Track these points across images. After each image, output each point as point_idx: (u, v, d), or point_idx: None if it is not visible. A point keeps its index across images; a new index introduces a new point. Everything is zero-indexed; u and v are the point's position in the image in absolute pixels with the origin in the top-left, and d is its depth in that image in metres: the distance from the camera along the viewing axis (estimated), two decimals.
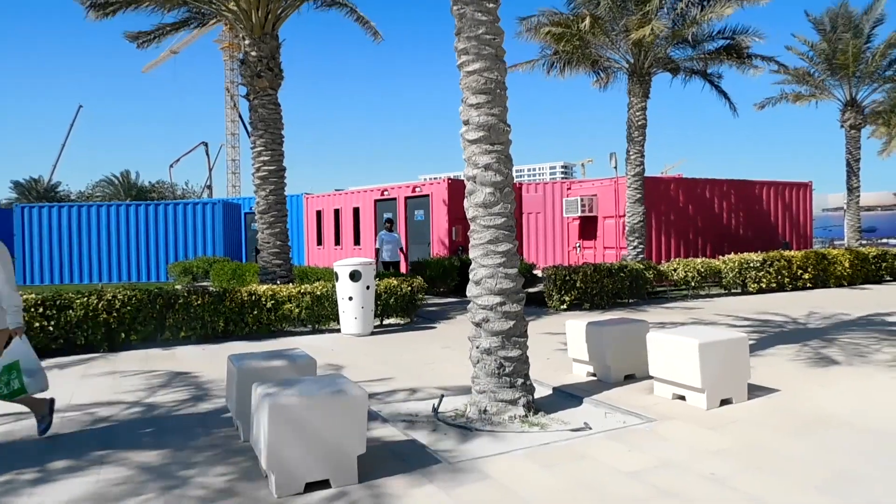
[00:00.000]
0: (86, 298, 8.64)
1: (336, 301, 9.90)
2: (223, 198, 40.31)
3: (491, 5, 5.32)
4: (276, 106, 11.94)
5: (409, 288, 10.79)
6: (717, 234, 19.26)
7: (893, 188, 40.83)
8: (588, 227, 19.44)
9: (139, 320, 8.92)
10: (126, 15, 12.47)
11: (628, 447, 4.46)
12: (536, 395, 5.55)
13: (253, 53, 11.77)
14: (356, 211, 21.73)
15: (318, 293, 10.02)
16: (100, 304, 8.66)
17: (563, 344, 7.41)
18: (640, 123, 15.32)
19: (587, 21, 13.84)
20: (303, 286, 10.17)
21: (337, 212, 22.83)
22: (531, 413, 5.16)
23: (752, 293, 14.30)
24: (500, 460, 4.25)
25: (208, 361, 7.87)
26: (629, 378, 6.40)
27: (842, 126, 21.33)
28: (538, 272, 15.98)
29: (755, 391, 5.74)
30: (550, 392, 6.05)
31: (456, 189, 17.94)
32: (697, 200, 19.07)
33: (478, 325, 5.30)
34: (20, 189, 55.43)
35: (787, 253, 15.17)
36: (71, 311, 8.53)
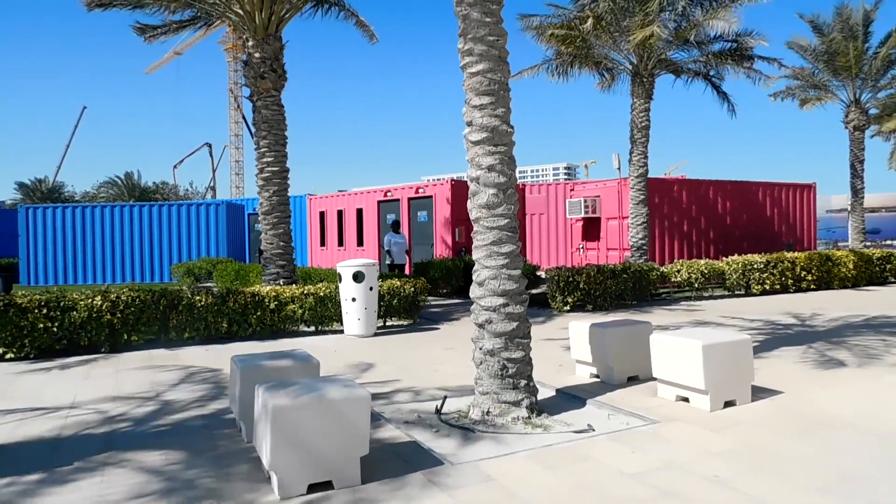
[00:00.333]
0: (90, 299, 8.66)
1: (339, 302, 9.91)
2: (227, 199, 40.39)
3: (494, 7, 5.33)
4: (279, 107, 11.96)
5: (412, 289, 10.79)
6: (721, 235, 19.23)
7: None
8: (591, 229, 19.43)
9: (143, 321, 8.94)
10: (130, 13, 12.51)
11: (631, 449, 4.46)
12: (540, 397, 5.55)
13: (256, 55, 11.80)
14: (359, 212, 21.75)
15: (322, 294, 10.03)
16: (103, 305, 8.68)
17: (566, 345, 7.41)
18: (643, 125, 15.31)
19: (589, 22, 13.84)
20: (306, 287, 10.18)
21: (340, 213, 22.84)
22: (534, 415, 5.16)
23: (755, 295, 14.27)
24: (502, 462, 4.25)
25: (211, 362, 7.89)
26: (632, 380, 6.39)
27: (845, 127, 21.28)
28: (542, 274, 15.97)
29: (759, 393, 5.73)
30: (554, 393, 6.05)
31: (459, 190, 17.94)
32: (701, 202, 19.04)
33: (481, 326, 5.31)
34: (25, 190, 55.58)
35: (790, 254, 15.13)
36: (75, 312, 8.55)
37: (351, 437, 3.86)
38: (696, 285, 13.83)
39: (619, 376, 6.34)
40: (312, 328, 10.15)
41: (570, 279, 12.08)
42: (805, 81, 21.44)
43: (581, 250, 19.64)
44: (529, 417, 5.09)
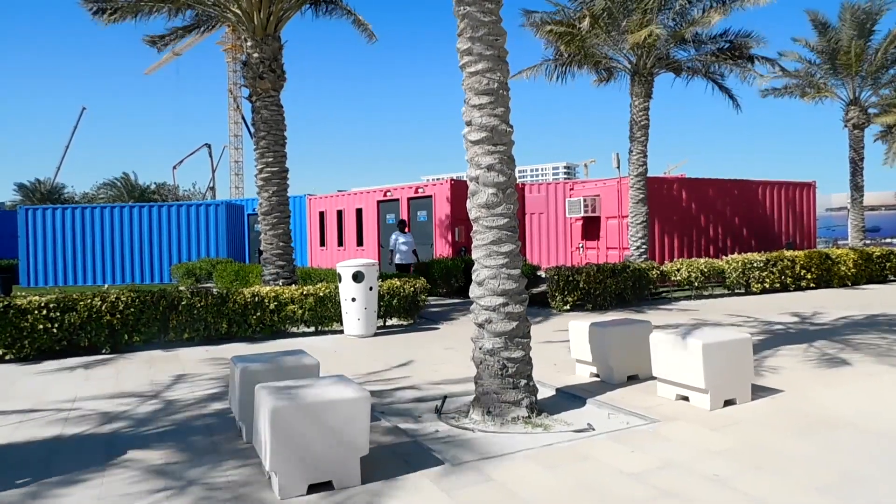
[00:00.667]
0: (89, 300, 8.66)
1: (339, 302, 9.91)
2: (226, 199, 40.36)
3: (493, 6, 5.32)
4: (278, 107, 11.96)
5: (412, 289, 10.79)
6: (721, 234, 19.23)
7: None
8: (591, 228, 19.43)
9: (143, 322, 8.94)
10: (130, 20, 12.51)
11: (631, 448, 4.46)
12: (539, 396, 5.54)
13: (255, 55, 11.79)
14: (359, 212, 21.75)
15: (321, 294, 10.03)
16: (103, 306, 8.67)
17: (566, 345, 7.41)
18: (642, 123, 15.31)
19: (586, 21, 13.83)
20: (306, 287, 10.18)
21: (340, 213, 22.84)
22: (534, 414, 5.15)
23: (755, 293, 14.27)
24: (502, 461, 4.25)
25: (211, 363, 7.89)
26: (632, 379, 6.39)
27: (845, 125, 21.27)
28: (541, 273, 15.97)
29: (759, 392, 5.72)
30: (553, 393, 6.04)
31: (458, 190, 17.94)
32: (700, 200, 19.04)
33: (481, 325, 5.30)
34: (24, 191, 55.52)
35: (790, 253, 15.13)
36: (74, 313, 8.55)
37: (351, 437, 3.85)
38: (696, 284, 13.83)
39: (618, 375, 6.34)
40: (312, 328, 10.15)
41: (570, 278, 12.07)
42: (804, 81, 21.41)
43: (581, 249, 19.64)
44: (529, 417, 5.09)
